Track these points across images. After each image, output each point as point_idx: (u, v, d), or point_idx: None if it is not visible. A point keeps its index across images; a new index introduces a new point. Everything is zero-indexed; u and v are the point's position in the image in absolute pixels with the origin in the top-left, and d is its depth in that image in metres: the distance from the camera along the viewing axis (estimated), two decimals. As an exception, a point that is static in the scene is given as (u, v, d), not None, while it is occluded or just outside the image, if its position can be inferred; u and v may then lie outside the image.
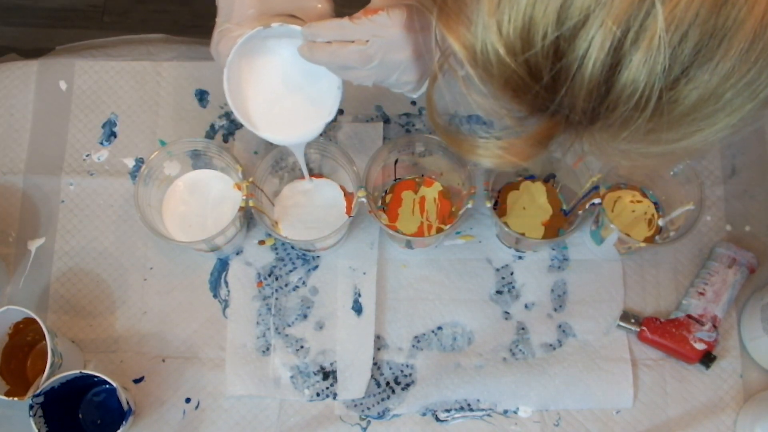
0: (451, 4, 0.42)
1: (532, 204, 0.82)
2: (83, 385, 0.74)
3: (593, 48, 0.36)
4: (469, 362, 0.78)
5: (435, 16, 0.43)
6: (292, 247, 0.82)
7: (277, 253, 0.82)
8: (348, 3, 0.64)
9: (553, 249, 0.82)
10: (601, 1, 0.35)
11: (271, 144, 0.84)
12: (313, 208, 0.81)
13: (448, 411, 0.77)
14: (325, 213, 0.81)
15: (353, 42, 0.58)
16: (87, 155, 0.85)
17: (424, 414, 0.77)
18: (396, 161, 0.80)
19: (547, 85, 0.39)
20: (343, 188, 0.82)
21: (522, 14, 0.37)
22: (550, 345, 0.79)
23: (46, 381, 0.68)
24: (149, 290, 0.80)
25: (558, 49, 0.37)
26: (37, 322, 0.69)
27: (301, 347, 0.78)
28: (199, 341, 0.79)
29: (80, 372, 0.69)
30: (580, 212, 0.76)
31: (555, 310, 0.80)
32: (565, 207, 0.82)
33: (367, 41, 0.58)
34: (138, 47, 0.89)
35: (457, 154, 0.76)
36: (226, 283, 0.81)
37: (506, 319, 0.80)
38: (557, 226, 0.81)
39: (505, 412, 0.77)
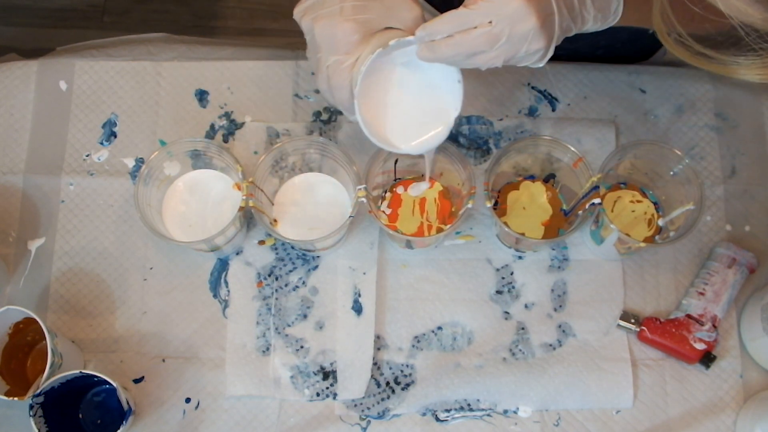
0: None
1: (532, 204, 0.82)
2: (83, 385, 0.74)
3: None
4: (469, 362, 0.78)
5: None
6: (292, 247, 0.82)
7: (277, 253, 0.82)
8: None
9: (553, 249, 0.82)
10: None
11: (271, 144, 0.85)
12: (313, 207, 0.81)
13: (448, 411, 0.77)
14: (325, 213, 0.81)
15: (475, 28, 0.58)
16: (87, 155, 0.85)
17: (424, 414, 0.77)
18: (396, 161, 0.80)
19: None
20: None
21: None
22: (550, 345, 0.79)
23: (46, 381, 0.68)
24: (149, 290, 0.80)
25: None
26: (37, 322, 0.69)
27: (301, 347, 0.78)
28: (199, 341, 0.79)
29: (80, 372, 0.69)
30: (580, 212, 0.76)
31: (555, 310, 0.80)
32: (565, 207, 0.82)
33: (490, 22, 0.57)
34: (138, 47, 0.89)
35: (458, 155, 0.76)
36: (226, 283, 0.81)
37: (506, 319, 0.80)
38: (557, 226, 0.81)
39: (505, 412, 0.77)
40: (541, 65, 0.63)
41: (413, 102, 0.67)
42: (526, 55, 0.61)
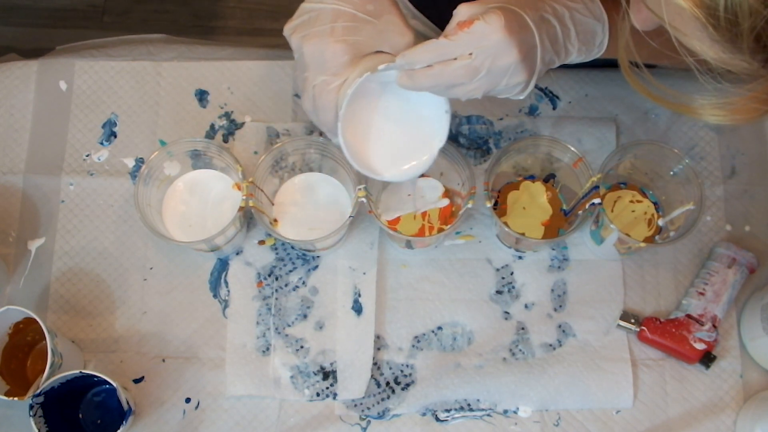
0: None
1: (532, 204, 0.82)
2: (83, 385, 0.74)
3: None
4: (469, 362, 0.78)
5: None
6: (292, 247, 0.82)
7: (277, 253, 0.82)
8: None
9: (553, 249, 0.82)
10: None
11: (271, 144, 0.85)
12: (313, 207, 0.81)
13: (448, 411, 0.77)
14: (325, 213, 0.81)
15: (455, 59, 0.57)
16: (87, 155, 0.85)
17: (424, 414, 0.77)
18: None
19: None
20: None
21: None
22: (550, 345, 0.79)
23: (46, 381, 0.68)
24: (149, 290, 0.80)
25: None
26: (37, 322, 0.69)
27: (301, 347, 0.78)
28: (199, 341, 0.79)
29: (80, 372, 0.69)
30: (580, 212, 0.76)
31: (555, 310, 0.80)
32: (565, 207, 0.82)
33: (471, 54, 0.57)
34: (138, 47, 0.89)
35: (458, 155, 0.76)
36: (226, 283, 0.81)
37: (506, 319, 0.80)
38: (557, 226, 0.81)
39: (505, 412, 0.77)
40: (522, 97, 0.63)
41: (398, 129, 0.66)
42: (507, 88, 0.60)
